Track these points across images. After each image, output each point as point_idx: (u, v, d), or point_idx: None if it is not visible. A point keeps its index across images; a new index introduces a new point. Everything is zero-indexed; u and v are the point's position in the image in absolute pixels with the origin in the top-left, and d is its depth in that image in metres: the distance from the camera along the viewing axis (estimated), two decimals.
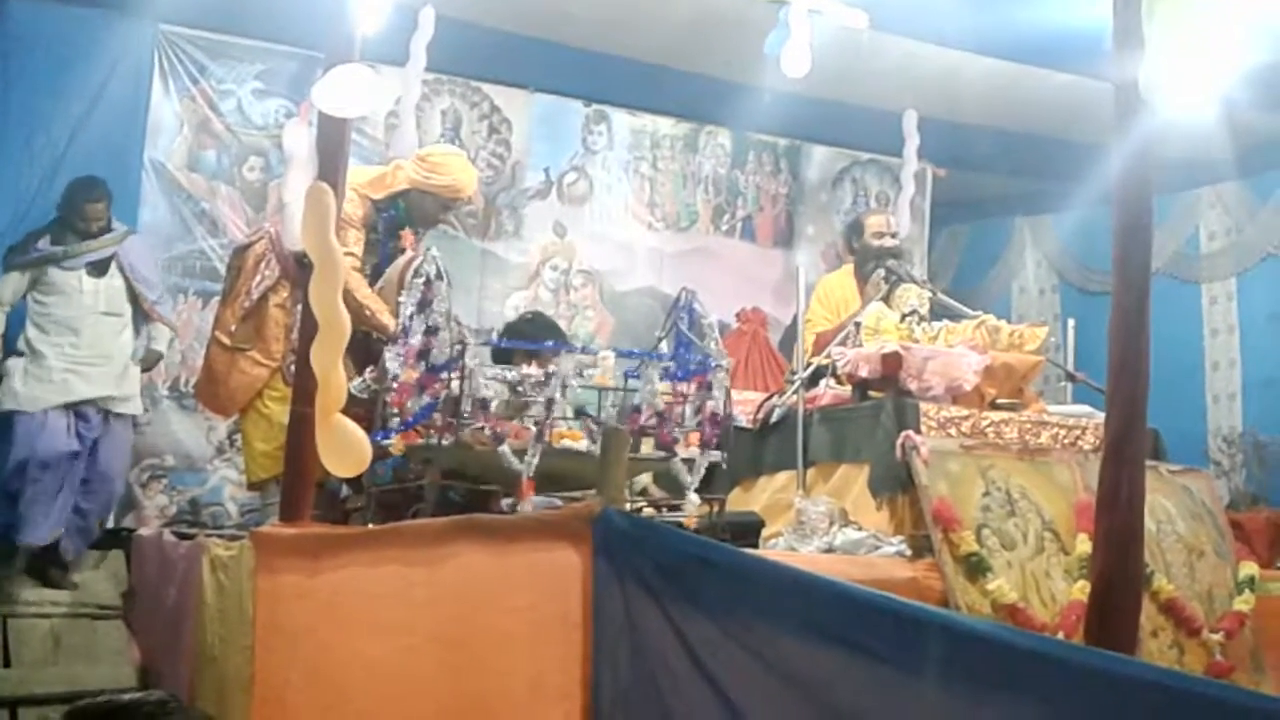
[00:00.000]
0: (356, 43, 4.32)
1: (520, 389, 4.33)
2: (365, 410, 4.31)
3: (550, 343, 4.54)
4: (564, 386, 4.09)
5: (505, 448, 3.96)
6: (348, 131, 4.28)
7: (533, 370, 4.34)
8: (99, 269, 6.20)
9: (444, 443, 4.05)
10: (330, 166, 4.17)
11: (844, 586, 2.63)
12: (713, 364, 4.32)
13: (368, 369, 4.79)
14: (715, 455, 4.31)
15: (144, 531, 6.25)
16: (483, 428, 4.02)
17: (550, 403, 4.00)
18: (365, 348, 4.76)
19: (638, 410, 4.18)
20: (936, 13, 6.51)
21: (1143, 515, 3.49)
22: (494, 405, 4.14)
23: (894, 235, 6.37)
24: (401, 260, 5.21)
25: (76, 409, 6.02)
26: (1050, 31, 6.71)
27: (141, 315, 6.32)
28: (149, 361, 6.31)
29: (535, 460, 3.96)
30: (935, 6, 6.40)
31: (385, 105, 6.72)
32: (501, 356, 4.66)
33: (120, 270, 6.23)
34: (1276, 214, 8.44)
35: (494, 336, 5.44)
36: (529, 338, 5.21)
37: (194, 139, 6.95)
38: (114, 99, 6.66)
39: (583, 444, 4.15)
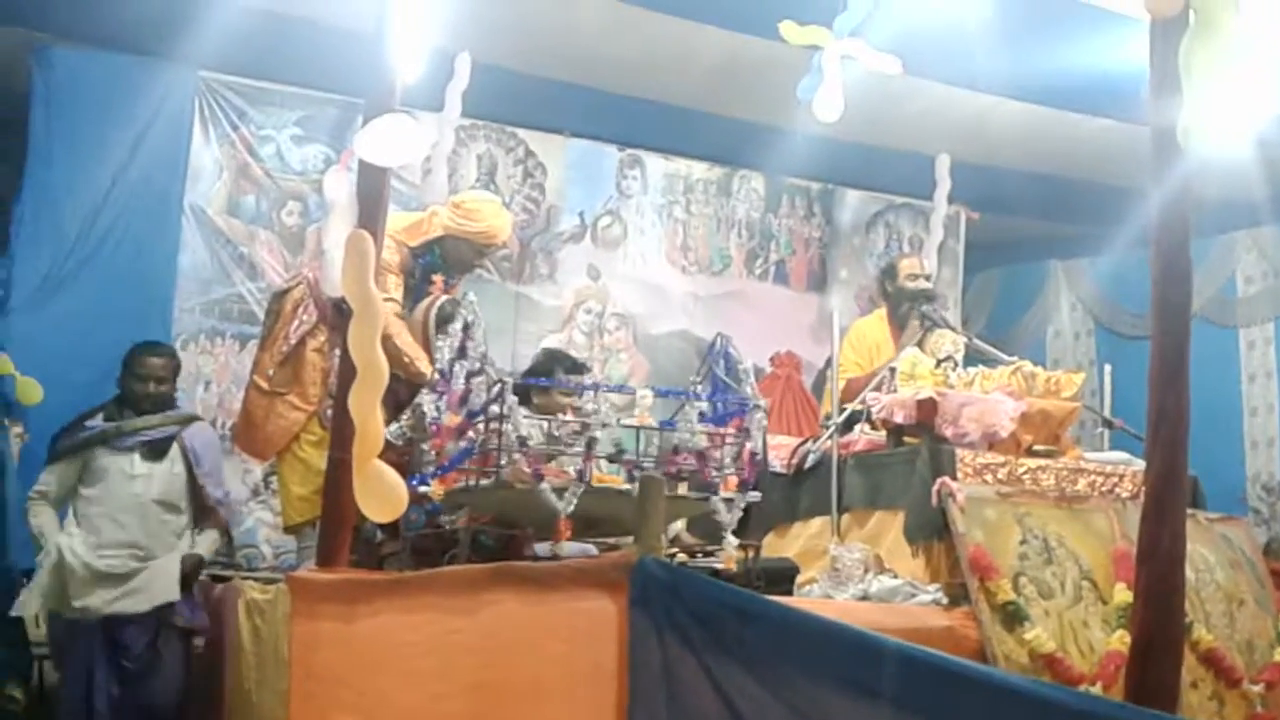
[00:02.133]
0: (397, 90, 4.37)
1: (557, 436, 4.34)
2: (399, 455, 4.33)
3: (589, 382, 4.54)
4: (603, 425, 4.09)
5: (545, 485, 3.96)
6: (388, 179, 4.33)
7: (569, 417, 4.35)
8: (155, 451, 5.34)
9: (483, 483, 4.05)
10: (370, 214, 4.21)
11: (882, 640, 2.62)
12: (750, 404, 4.32)
13: (403, 415, 4.82)
14: (754, 496, 4.31)
15: None
16: (518, 460, 4.01)
17: (592, 441, 4.00)
18: (392, 391, 4.78)
19: (676, 451, 4.18)
20: (970, 57, 6.52)
21: (1184, 568, 3.46)
22: (532, 442, 4.15)
23: (927, 277, 6.37)
24: (424, 303, 5.26)
25: (115, 637, 5.14)
26: (1085, 76, 6.72)
27: (201, 513, 5.44)
28: (185, 565, 5.27)
29: (576, 499, 3.95)
30: (968, 51, 6.41)
31: (423, 152, 6.80)
32: (522, 397, 4.66)
33: (183, 456, 5.38)
34: None
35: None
36: (548, 374, 5.25)
37: (233, 184, 7.03)
38: (155, 145, 6.74)
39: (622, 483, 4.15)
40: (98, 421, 5.38)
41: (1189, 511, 3.90)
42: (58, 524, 5.33)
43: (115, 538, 5.21)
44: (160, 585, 5.19)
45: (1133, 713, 2.73)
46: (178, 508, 5.36)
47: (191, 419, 5.59)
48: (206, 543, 5.46)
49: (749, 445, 4.25)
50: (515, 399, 4.07)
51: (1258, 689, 4.68)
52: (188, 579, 5.27)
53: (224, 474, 5.70)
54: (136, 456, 5.32)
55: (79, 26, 6.60)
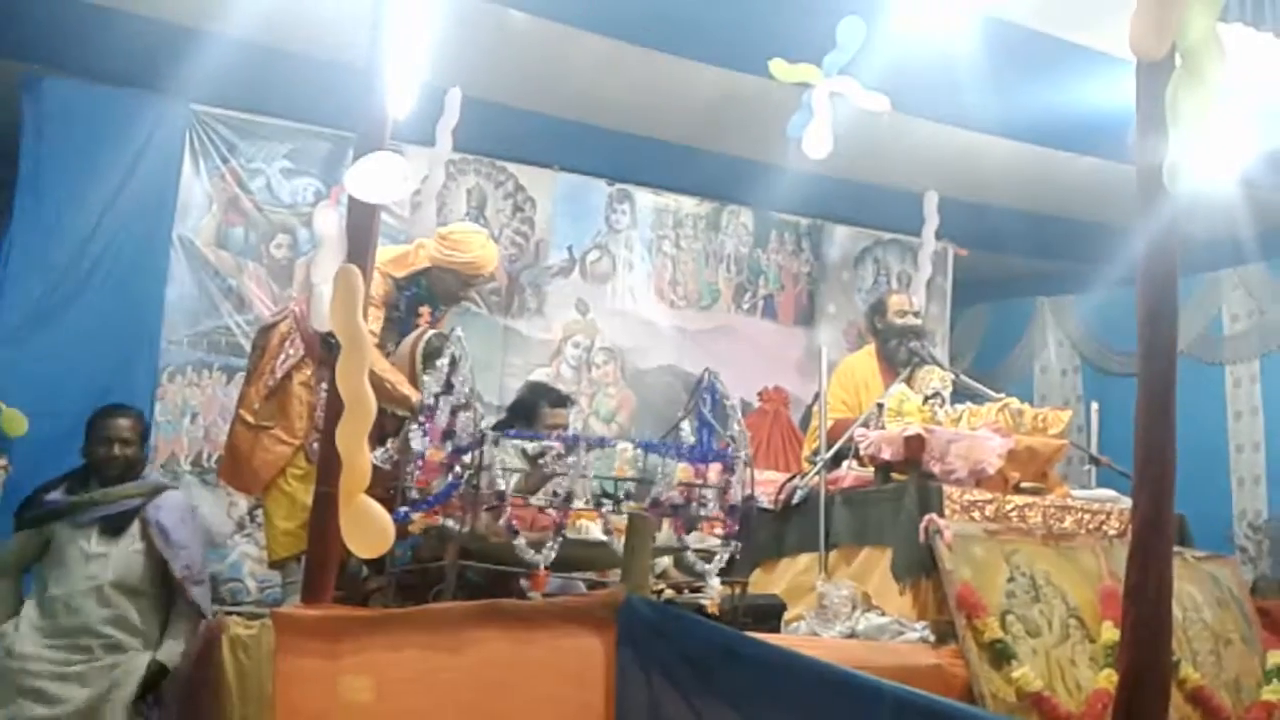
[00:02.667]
0: (388, 125, 4.38)
1: (542, 461, 4.33)
2: (384, 490, 4.32)
3: (570, 434, 4.54)
4: (582, 476, 4.08)
5: (521, 540, 3.95)
6: (377, 215, 4.33)
7: (554, 443, 4.34)
8: (115, 527, 4.92)
9: (462, 531, 4.04)
10: (359, 249, 4.22)
11: (870, 682, 2.61)
12: (732, 456, 4.31)
13: (389, 440, 4.81)
14: (731, 547, 4.30)
15: None
16: (497, 516, 4.01)
17: (569, 495, 3.99)
18: (378, 424, 4.76)
19: (657, 503, 4.16)
20: (958, 95, 6.57)
21: (1171, 607, 3.45)
22: (513, 481, 4.14)
23: (916, 314, 6.39)
24: (411, 337, 5.26)
25: None
26: (1073, 115, 6.77)
27: (170, 592, 4.95)
28: (145, 686, 4.79)
29: (553, 553, 3.95)
30: (957, 89, 6.46)
31: (412, 188, 6.81)
32: (508, 425, 4.65)
33: (144, 531, 4.94)
34: None
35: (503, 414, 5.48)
36: (533, 407, 5.25)
37: (222, 216, 7.03)
38: (145, 176, 6.74)
39: (598, 526, 4.14)
40: (58, 494, 5.01)
41: (1176, 550, 3.90)
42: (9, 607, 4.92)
43: (65, 625, 4.80)
44: (117, 690, 4.75)
45: None
46: (138, 591, 4.91)
47: (159, 489, 5.18)
48: (172, 646, 4.91)
49: (729, 494, 4.25)
50: (494, 451, 4.05)
51: None
52: (149, 686, 4.82)
53: (199, 548, 5.20)
54: (95, 533, 4.92)
55: (70, 58, 6.61)
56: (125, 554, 4.94)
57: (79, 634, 4.83)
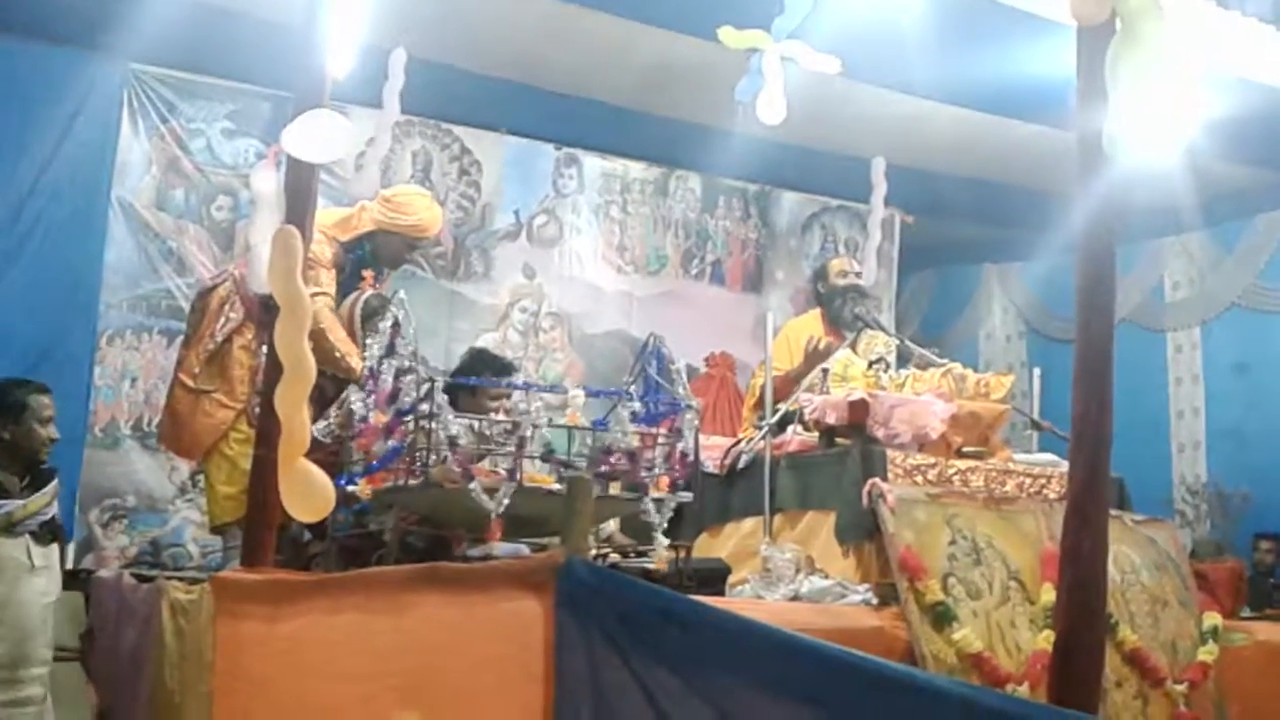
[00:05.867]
0: (327, 84, 4.32)
1: (488, 435, 4.31)
2: (327, 454, 4.28)
3: (520, 381, 4.53)
4: (534, 427, 4.06)
5: (475, 485, 3.93)
6: (316, 176, 4.27)
7: (501, 417, 4.33)
8: (48, 533, 4.33)
9: (412, 483, 4.01)
10: (298, 210, 4.15)
11: (812, 643, 2.62)
12: (682, 405, 4.32)
13: (330, 410, 4.77)
14: (686, 496, 4.31)
15: (103, 573, 6.14)
16: (447, 460, 3.98)
17: (522, 440, 3.98)
18: (319, 388, 4.71)
19: (608, 451, 4.16)
20: (907, 62, 6.57)
21: (1105, 570, 3.49)
22: (462, 442, 4.12)
23: (858, 274, 6.42)
24: (350, 299, 5.22)
25: None
26: (1018, 82, 6.80)
27: None
28: None
29: (506, 499, 3.93)
30: (906, 55, 6.46)
31: (356, 148, 6.75)
32: (451, 399, 4.63)
33: (56, 534, 4.39)
34: (1240, 264, 8.57)
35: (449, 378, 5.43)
36: (475, 376, 5.22)
37: (162, 178, 6.94)
38: (82, 137, 6.65)
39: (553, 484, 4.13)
40: None
41: (1115, 514, 3.93)
42: None
43: (16, 655, 4.28)
44: None
45: (1052, 714, 2.76)
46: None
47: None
48: None
49: (680, 445, 4.25)
50: (445, 398, 4.03)
51: (1181, 688, 4.74)
52: None
53: None
54: (29, 540, 4.31)
55: (3, 15, 6.47)
56: (56, 565, 4.41)
57: (25, 667, 4.33)
